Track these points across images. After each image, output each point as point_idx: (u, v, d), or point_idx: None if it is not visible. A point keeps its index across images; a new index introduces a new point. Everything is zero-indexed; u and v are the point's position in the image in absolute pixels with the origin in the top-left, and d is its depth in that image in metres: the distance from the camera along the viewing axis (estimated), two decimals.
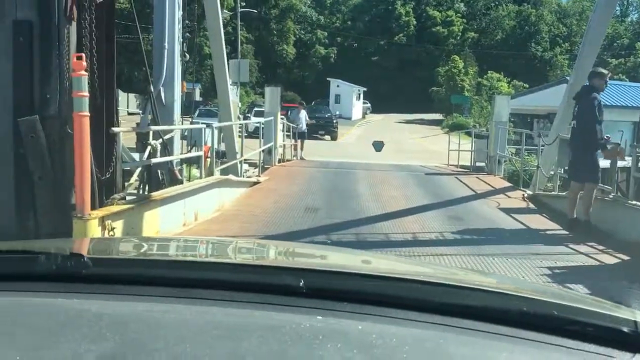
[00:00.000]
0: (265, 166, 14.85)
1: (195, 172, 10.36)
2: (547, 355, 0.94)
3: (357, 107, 57.16)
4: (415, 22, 71.52)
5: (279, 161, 16.83)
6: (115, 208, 5.73)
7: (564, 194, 10.18)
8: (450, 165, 19.14)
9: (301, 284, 1.03)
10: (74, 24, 5.40)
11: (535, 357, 0.94)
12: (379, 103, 61.99)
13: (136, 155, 8.64)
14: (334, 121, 38.03)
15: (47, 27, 5.28)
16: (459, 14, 72.85)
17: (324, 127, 35.69)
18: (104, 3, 5.68)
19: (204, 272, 1.16)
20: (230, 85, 13.63)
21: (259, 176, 13.20)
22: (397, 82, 65.64)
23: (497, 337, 0.97)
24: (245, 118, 23.33)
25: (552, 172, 11.95)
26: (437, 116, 55.70)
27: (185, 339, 0.89)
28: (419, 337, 0.95)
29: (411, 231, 8.37)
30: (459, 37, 71.45)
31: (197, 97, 27.85)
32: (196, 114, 23.16)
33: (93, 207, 5.25)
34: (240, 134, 13.47)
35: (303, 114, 21.08)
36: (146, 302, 1.01)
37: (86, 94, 4.98)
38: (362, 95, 59.34)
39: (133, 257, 1.43)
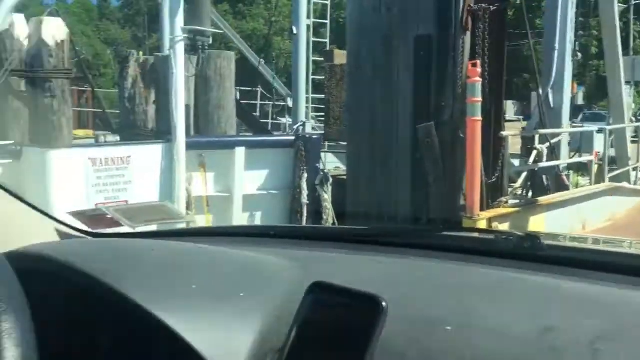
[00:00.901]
0: None
1: (580, 179, 9.84)
2: None
3: None
4: None
5: None
6: (502, 210, 5.83)
7: None
8: None
9: None
10: (468, 33, 5.69)
11: None
12: None
13: (515, 162, 8.59)
14: None
15: (445, 39, 5.69)
16: None
17: None
18: (497, 11, 5.82)
19: None
20: (624, 85, 12.42)
21: None
22: None
23: None
24: (638, 121, 21.02)
25: None
26: None
27: None
28: None
29: None
30: None
31: (579, 101, 26.25)
32: (579, 118, 21.97)
33: (481, 209, 5.45)
34: (635, 138, 12.21)
35: None
36: (606, 286, 1.02)
37: (479, 99, 5.18)
38: None
39: (586, 246, 1.48)
